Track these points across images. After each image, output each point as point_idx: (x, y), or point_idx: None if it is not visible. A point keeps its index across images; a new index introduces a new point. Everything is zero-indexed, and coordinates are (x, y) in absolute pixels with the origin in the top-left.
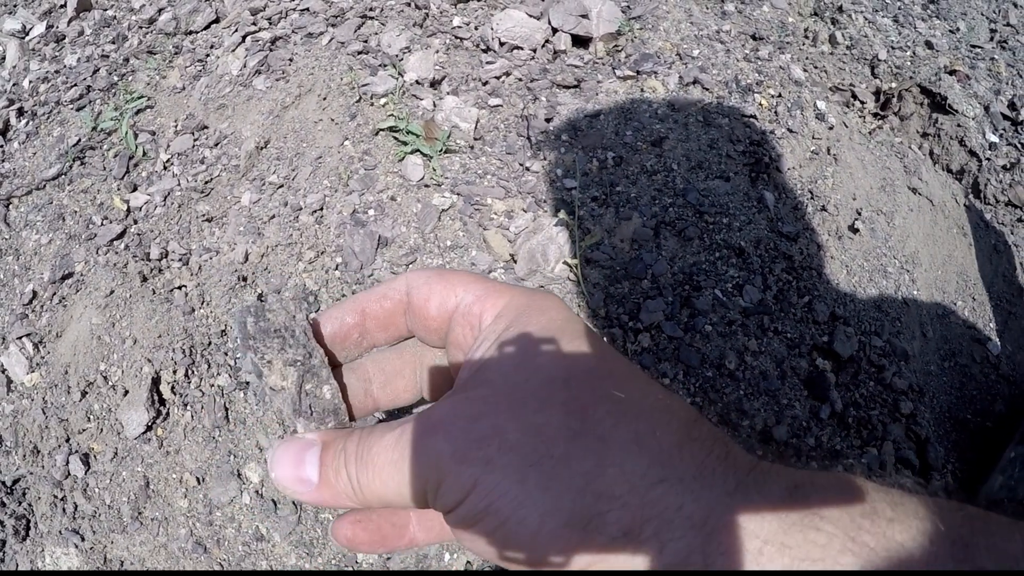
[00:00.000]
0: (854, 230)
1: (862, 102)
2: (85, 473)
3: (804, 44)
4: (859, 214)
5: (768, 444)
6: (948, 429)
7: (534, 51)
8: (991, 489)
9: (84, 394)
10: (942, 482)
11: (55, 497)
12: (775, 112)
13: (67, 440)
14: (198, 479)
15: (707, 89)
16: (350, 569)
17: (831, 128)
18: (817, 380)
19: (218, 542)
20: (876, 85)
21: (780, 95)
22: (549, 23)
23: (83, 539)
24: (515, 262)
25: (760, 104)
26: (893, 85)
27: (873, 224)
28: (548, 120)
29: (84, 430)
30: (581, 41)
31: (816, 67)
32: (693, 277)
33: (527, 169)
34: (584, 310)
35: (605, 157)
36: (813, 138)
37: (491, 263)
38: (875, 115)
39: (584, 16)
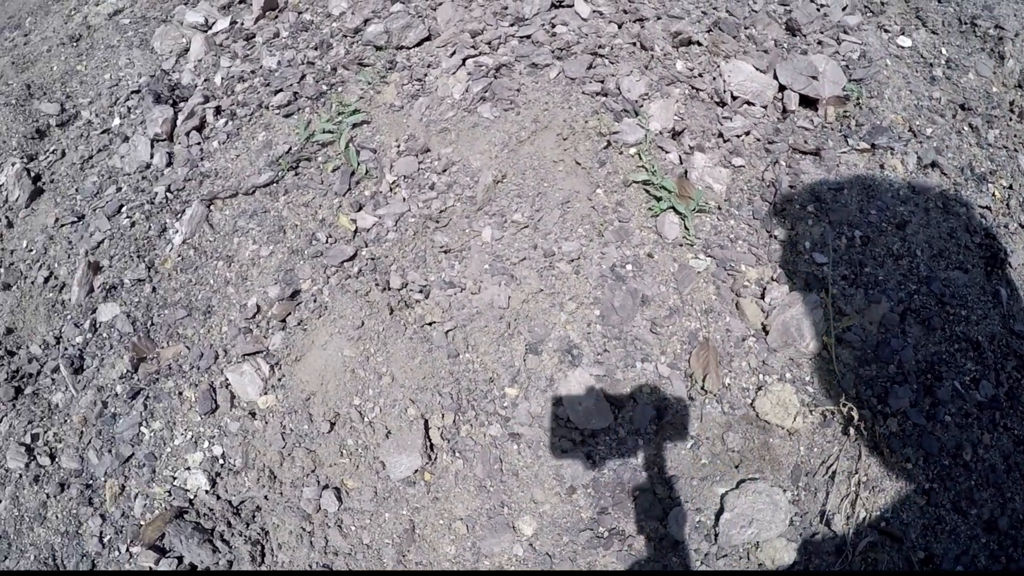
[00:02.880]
0: None
1: None
2: (338, 509)
3: (1011, 119)
4: None
5: (992, 533)
6: None
7: (764, 107)
8: None
9: (332, 426)
10: None
11: (303, 529)
12: (1007, 204)
13: (313, 471)
14: (468, 527)
15: (945, 174)
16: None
17: None
18: None
19: None
20: None
21: (1011, 187)
22: (775, 77)
23: None
24: (766, 332)
25: (993, 195)
26: None
27: None
28: (792, 187)
29: (335, 464)
30: (808, 101)
31: None
32: (935, 366)
33: (774, 237)
34: (835, 389)
35: (852, 235)
36: None
37: (744, 331)
38: None
39: (814, 77)
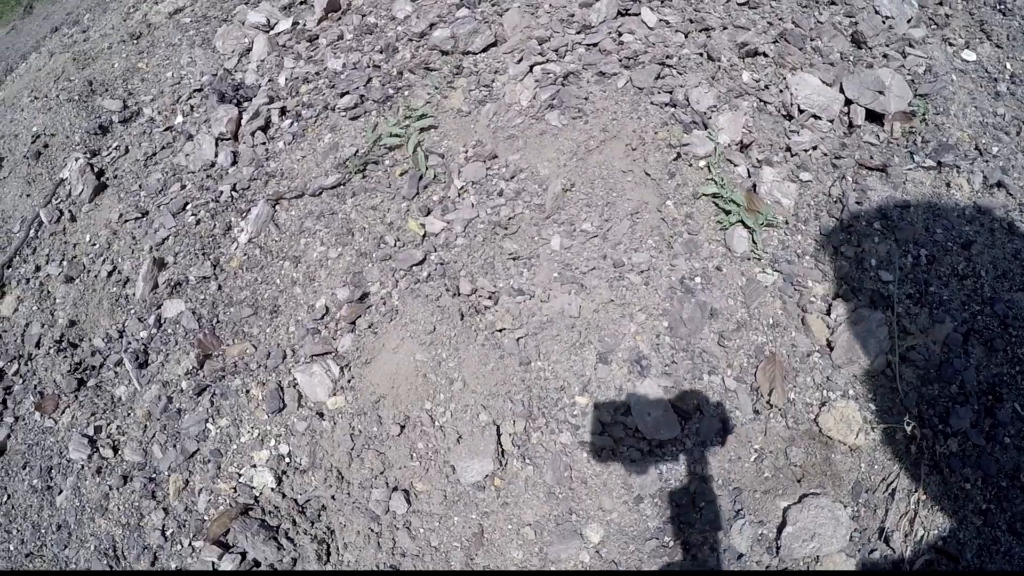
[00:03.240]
0: None
1: None
2: (407, 511)
3: None
4: None
5: None
6: None
7: (831, 121)
8: None
9: (402, 429)
10: None
11: (370, 530)
12: None
13: (382, 473)
14: (536, 533)
15: (1011, 194)
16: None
17: None
18: None
19: None
20: None
21: None
22: (842, 91)
23: None
24: (831, 348)
25: None
26: None
27: None
28: (858, 203)
29: (405, 467)
30: (874, 116)
31: None
32: (996, 388)
33: (841, 253)
34: (897, 407)
35: (918, 254)
36: None
37: (809, 346)
38: None
39: (880, 92)
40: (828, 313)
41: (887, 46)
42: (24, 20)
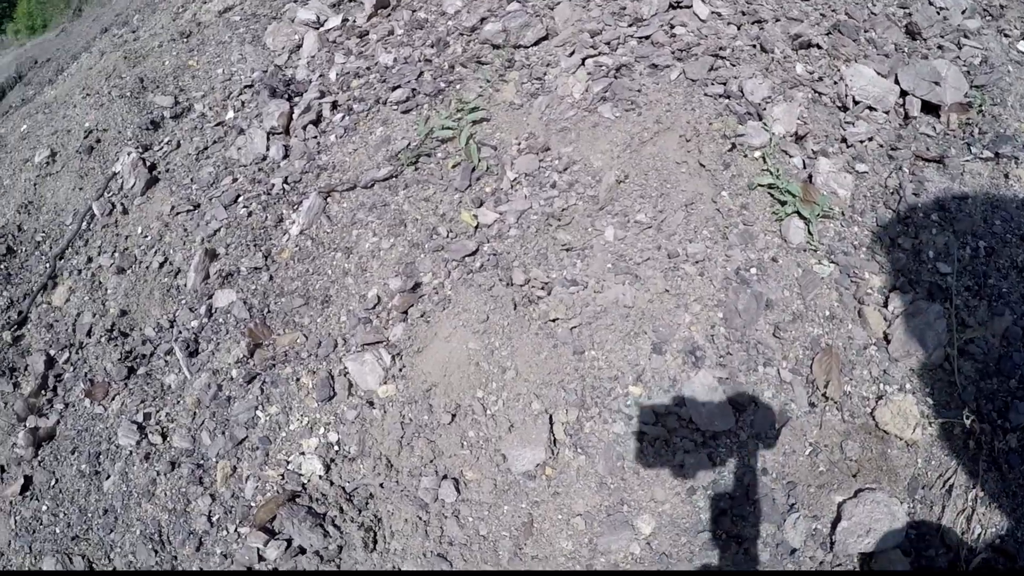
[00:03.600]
0: None
1: None
2: (456, 499)
3: None
4: None
5: None
6: None
7: (887, 113)
8: None
9: (453, 417)
10: None
11: (418, 518)
12: None
13: (432, 461)
14: (586, 523)
15: None
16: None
17: None
18: None
19: None
20: None
21: None
22: (897, 83)
23: (451, 565)
24: (888, 341)
25: None
26: None
27: None
28: (915, 195)
29: (455, 455)
30: (930, 107)
31: None
32: None
33: (898, 245)
34: (955, 401)
35: (977, 245)
36: None
37: (866, 339)
38: None
39: (936, 83)
40: (885, 305)
41: (942, 37)
42: (73, 23)
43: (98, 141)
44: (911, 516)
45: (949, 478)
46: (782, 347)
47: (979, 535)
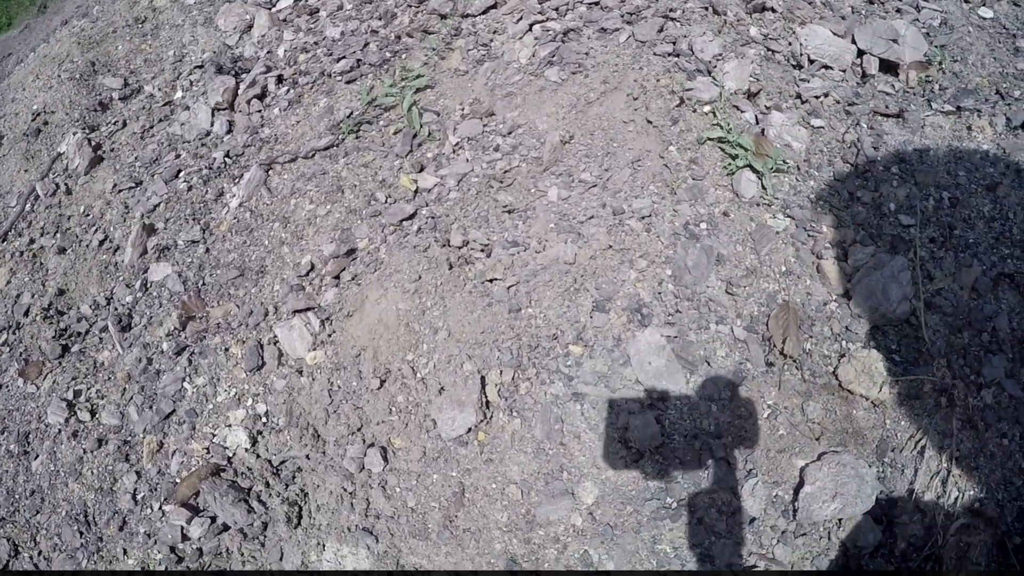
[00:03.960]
0: None
1: None
2: (383, 469)
3: None
4: None
5: None
6: None
7: (843, 71)
8: None
9: (382, 383)
10: None
11: (343, 490)
12: None
13: (359, 429)
14: (522, 492)
15: None
16: None
17: None
18: None
19: (536, 562)
20: None
21: None
22: (854, 42)
23: (377, 541)
24: (849, 297)
25: None
26: None
27: None
28: (875, 148)
29: (383, 422)
30: (889, 66)
31: None
32: None
33: (857, 199)
34: (924, 357)
35: (940, 197)
36: None
37: (826, 295)
38: None
39: (894, 41)
40: (845, 259)
41: (900, 1)
42: (37, 19)
43: (45, 123)
44: (881, 481)
45: (920, 439)
46: (735, 304)
47: (956, 499)
